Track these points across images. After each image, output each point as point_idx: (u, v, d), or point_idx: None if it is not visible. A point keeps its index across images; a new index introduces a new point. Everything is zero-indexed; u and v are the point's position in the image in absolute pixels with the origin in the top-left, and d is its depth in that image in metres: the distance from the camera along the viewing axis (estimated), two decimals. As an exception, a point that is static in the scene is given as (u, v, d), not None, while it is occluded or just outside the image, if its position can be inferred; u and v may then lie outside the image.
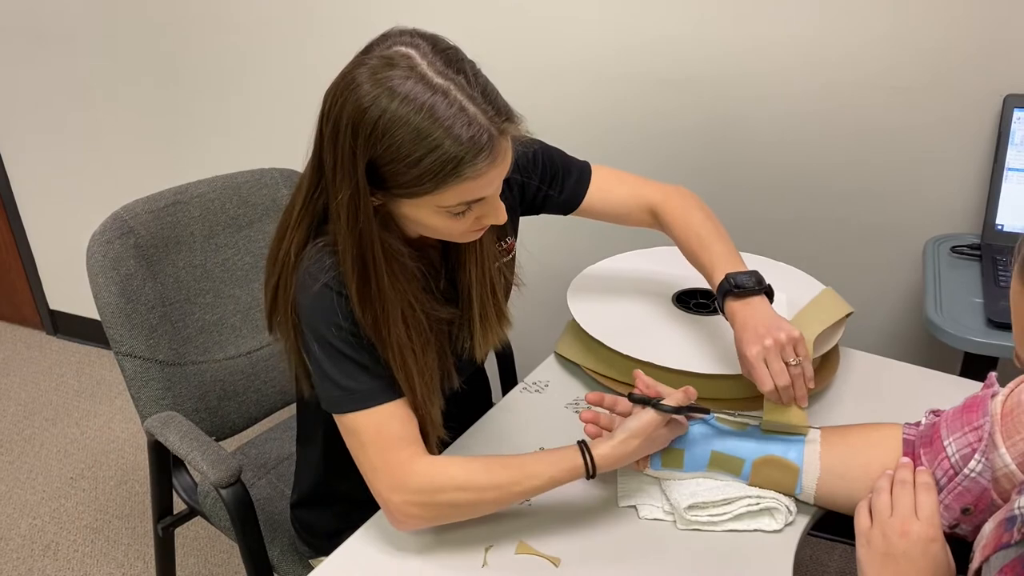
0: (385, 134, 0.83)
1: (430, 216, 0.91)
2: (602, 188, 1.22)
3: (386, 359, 0.95)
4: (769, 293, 1.09)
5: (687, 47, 1.66)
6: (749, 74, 1.63)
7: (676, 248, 1.21)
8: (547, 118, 1.83)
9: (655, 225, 1.24)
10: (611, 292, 1.34)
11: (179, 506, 1.48)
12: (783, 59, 1.59)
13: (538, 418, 1.19)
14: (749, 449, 1.00)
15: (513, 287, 1.19)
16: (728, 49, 1.62)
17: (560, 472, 0.95)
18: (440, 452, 1.07)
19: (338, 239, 0.91)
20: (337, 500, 1.21)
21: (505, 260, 1.15)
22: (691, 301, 1.31)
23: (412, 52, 0.85)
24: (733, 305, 1.06)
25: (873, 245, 1.66)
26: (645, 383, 1.03)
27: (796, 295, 1.27)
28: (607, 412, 1.03)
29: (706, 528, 0.97)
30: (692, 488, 0.98)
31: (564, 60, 1.78)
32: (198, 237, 1.46)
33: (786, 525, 0.96)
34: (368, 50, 0.88)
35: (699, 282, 1.32)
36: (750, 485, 0.99)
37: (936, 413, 0.96)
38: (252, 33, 2.10)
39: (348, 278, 0.92)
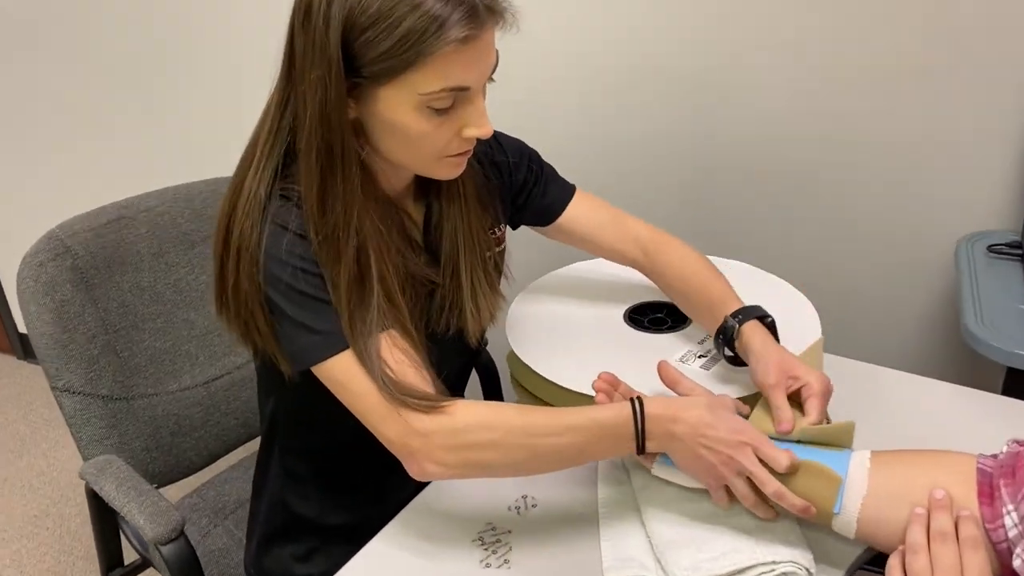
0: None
1: (409, 113, 0.82)
2: (586, 206, 1.15)
3: (347, 271, 0.83)
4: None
5: (694, 41, 1.53)
6: (757, 68, 1.50)
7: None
8: (523, 120, 1.69)
9: (639, 256, 1.14)
10: (556, 312, 1.20)
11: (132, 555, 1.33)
12: (799, 51, 1.46)
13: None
14: None
15: (503, 278, 1.10)
16: (734, 38, 1.50)
17: (604, 417, 0.83)
18: None
19: (303, 136, 0.82)
20: (297, 530, 1.10)
21: (498, 250, 1.07)
22: (645, 318, 1.17)
23: None
24: (763, 335, 0.97)
25: (898, 247, 1.51)
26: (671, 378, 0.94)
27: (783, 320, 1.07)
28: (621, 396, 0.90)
29: None
30: (693, 557, 0.82)
31: (543, 67, 1.65)
32: (145, 256, 1.32)
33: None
34: None
35: (650, 296, 1.20)
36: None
37: (1020, 443, 0.80)
38: (209, 36, 2.00)
39: (311, 179, 0.83)
